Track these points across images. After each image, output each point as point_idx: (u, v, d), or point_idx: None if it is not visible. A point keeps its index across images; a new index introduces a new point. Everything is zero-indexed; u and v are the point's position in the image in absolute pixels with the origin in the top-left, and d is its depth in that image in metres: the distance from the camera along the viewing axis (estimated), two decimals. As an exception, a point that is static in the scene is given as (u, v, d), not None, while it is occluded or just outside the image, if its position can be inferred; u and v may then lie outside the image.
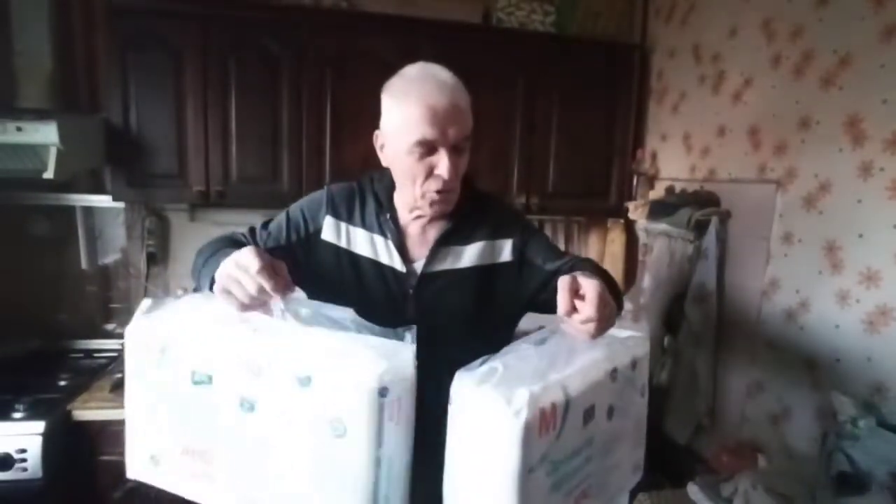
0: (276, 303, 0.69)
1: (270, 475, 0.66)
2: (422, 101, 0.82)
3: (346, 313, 0.69)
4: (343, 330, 0.68)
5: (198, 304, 0.74)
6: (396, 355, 0.63)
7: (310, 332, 0.67)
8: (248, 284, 0.68)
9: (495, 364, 0.62)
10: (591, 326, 0.67)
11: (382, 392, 0.60)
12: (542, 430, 0.55)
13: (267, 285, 0.67)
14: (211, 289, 0.76)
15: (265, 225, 1.00)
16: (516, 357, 0.64)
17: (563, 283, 0.68)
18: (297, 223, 0.97)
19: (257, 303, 0.69)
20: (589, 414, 0.64)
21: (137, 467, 0.73)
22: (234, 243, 0.90)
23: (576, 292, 0.67)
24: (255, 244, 0.94)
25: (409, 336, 0.65)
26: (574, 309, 0.67)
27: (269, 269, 0.68)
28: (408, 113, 0.83)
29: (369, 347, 0.63)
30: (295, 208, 1.00)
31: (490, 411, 0.57)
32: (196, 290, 0.86)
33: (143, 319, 0.71)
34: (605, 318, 0.68)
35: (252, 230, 0.99)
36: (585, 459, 0.65)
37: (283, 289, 0.69)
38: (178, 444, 0.70)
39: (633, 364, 0.75)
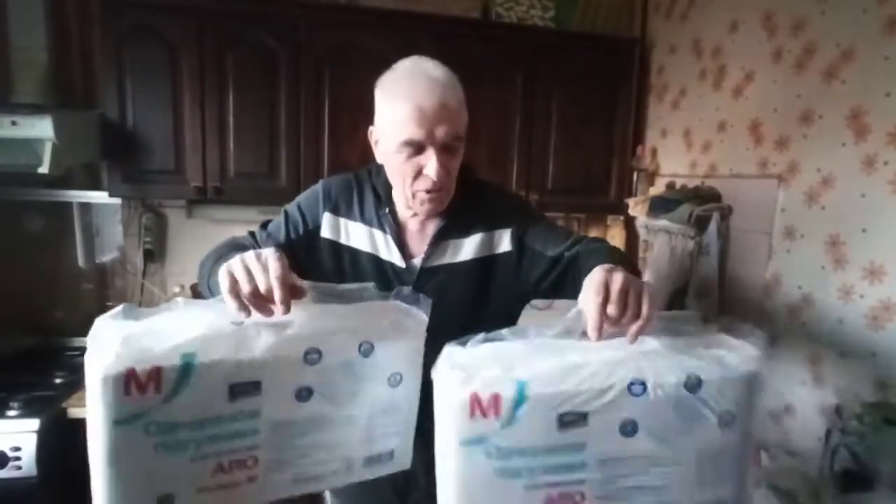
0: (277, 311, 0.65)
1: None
2: (410, 100, 0.80)
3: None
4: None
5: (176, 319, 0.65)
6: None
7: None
8: (261, 280, 0.63)
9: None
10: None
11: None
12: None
13: (278, 294, 0.63)
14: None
15: (264, 225, 0.98)
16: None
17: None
18: (295, 221, 0.96)
19: (255, 304, 0.64)
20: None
21: None
22: (240, 248, 0.88)
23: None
24: (258, 247, 0.93)
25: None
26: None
27: (286, 280, 0.64)
28: (396, 111, 0.82)
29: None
30: (292, 206, 0.98)
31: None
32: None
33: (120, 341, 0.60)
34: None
35: (252, 234, 0.97)
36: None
37: (287, 305, 0.64)
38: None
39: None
